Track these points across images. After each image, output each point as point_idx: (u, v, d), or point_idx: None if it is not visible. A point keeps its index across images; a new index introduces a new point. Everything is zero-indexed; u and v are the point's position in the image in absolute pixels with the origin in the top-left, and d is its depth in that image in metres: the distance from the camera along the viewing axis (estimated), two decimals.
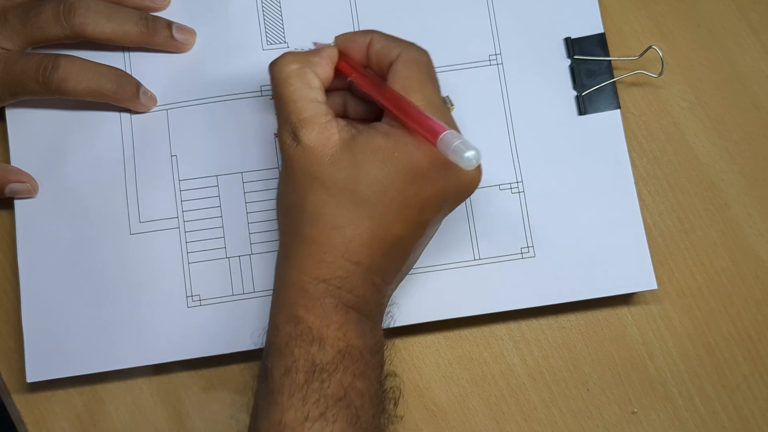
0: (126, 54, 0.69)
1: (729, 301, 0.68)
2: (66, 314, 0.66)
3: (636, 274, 0.66)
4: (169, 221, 0.67)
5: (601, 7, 0.69)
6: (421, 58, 0.58)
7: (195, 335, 0.66)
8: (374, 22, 0.69)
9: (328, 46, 0.61)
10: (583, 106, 0.67)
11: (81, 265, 0.67)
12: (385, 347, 0.60)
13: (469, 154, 0.51)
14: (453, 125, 0.57)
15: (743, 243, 0.69)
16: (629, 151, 0.67)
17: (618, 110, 0.67)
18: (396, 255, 0.58)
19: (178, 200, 0.67)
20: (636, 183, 0.67)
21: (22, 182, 0.67)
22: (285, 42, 0.69)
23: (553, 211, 0.67)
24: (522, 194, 0.67)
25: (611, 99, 0.68)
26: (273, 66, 0.59)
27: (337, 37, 0.62)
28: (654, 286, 0.66)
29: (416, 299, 0.66)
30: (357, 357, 0.55)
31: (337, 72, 0.61)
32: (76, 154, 0.68)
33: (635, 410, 0.67)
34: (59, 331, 0.66)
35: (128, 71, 0.68)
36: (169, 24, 0.68)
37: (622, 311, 0.68)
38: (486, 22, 0.69)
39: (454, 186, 0.57)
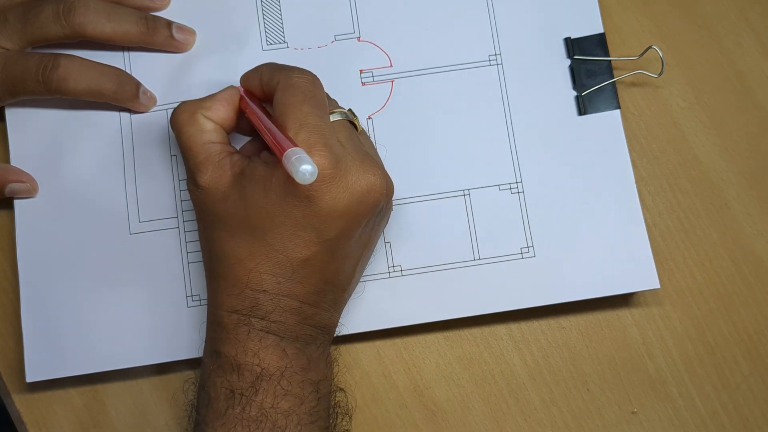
0: (126, 54, 0.69)
1: (729, 301, 0.68)
2: (66, 314, 0.66)
3: (638, 273, 0.66)
4: (169, 221, 0.67)
5: (601, 7, 0.69)
6: (298, 82, 0.58)
7: (195, 335, 0.66)
8: (374, 23, 0.69)
9: (229, 87, 0.62)
10: (583, 106, 0.67)
11: (81, 264, 0.67)
12: (328, 365, 0.61)
13: (304, 168, 0.51)
14: (342, 140, 0.58)
15: (743, 243, 0.69)
16: (629, 151, 0.67)
17: (618, 110, 0.67)
18: (306, 277, 0.58)
19: (178, 200, 0.67)
20: (636, 183, 0.66)
21: (22, 182, 0.67)
22: (285, 42, 0.69)
23: (553, 211, 0.67)
24: (522, 194, 0.67)
25: (611, 99, 0.68)
26: (170, 118, 0.61)
27: (240, 77, 0.63)
28: (656, 285, 0.65)
29: (416, 299, 0.66)
30: (278, 378, 0.57)
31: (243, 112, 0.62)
32: (76, 153, 0.68)
33: (635, 410, 0.67)
34: (59, 331, 0.66)
35: (128, 71, 0.69)
36: (169, 24, 0.68)
37: (622, 311, 0.68)
38: (486, 22, 0.69)
39: (347, 201, 0.56)
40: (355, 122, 0.61)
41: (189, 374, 0.65)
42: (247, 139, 0.65)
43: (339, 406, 0.63)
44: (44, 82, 0.65)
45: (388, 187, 0.58)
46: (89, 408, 0.68)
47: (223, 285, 0.58)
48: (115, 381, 0.68)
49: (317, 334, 0.60)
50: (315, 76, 0.60)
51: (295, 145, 0.53)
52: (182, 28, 0.69)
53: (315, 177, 0.51)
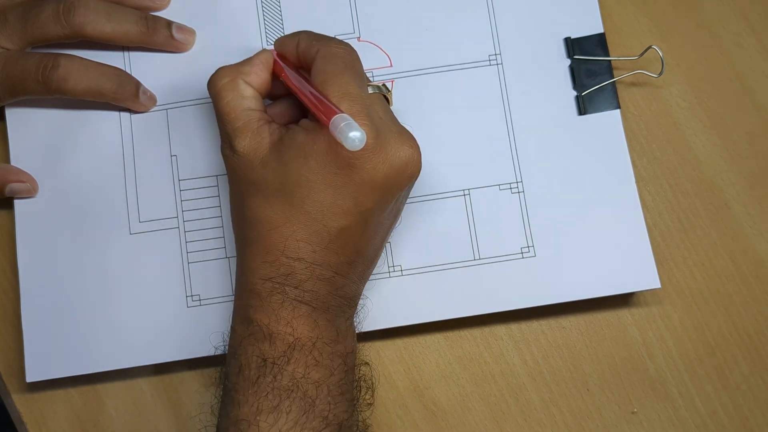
0: (126, 54, 0.69)
1: (729, 301, 0.68)
2: (66, 314, 0.66)
3: (638, 272, 0.66)
4: (169, 221, 0.67)
5: (601, 7, 0.69)
6: (338, 51, 0.59)
7: (195, 335, 0.66)
8: (374, 23, 0.69)
9: (263, 51, 0.63)
10: (583, 106, 0.67)
11: (80, 264, 0.67)
12: (353, 337, 0.61)
13: (353, 134, 0.51)
14: (379, 112, 0.58)
15: (743, 243, 0.69)
16: (629, 151, 0.67)
17: (618, 110, 0.67)
18: (341, 247, 0.58)
19: (178, 200, 0.67)
20: (636, 183, 0.66)
21: (22, 182, 0.67)
22: None
23: (553, 210, 0.67)
24: (522, 194, 0.67)
25: (611, 99, 0.68)
26: (209, 83, 0.61)
27: (275, 41, 0.64)
28: (657, 284, 0.65)
29: (416, 299, 0.66)
30: (309, 348, 0.57)
31: (278, 75, 0.63)
32: (76, 153, 0.68)
33: (635, 410, 0.67)
34: (59, 331, 0.66)
35: (128, 71, 0.69)
36: (169, 24, 0.68)
37: (622, 311, 0.68)
38: (486, 22, 0.69)
39: (386, 171, 0.57)
40: (389, 97, 0.61)
41: (211, 372, 0.67)
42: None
43: (363, 380, 0.63)
44: (44, 82, 0.65)
45: (421, 160, 0.59)
46: (89, 408, 0.68)
47: (257, 251, 0.58)
48: (115, 381, 0.68)
49: (345, 305, 0.60)
50: (353, 48, 0.61)
51: (342, 112, 0.53)
52: (182, 28, 0.69)
53: (364, 143, 0.51)
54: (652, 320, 0.68)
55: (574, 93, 0.68)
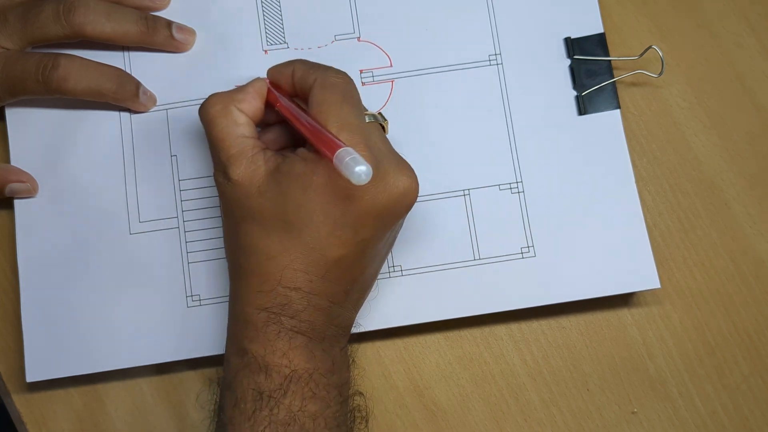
0: (126, 54, 0.69)
1: (729, 301, 0.68)
2: (66, 314, 0.66)
3: (638, 272, 0.66)
4: (169, 221, 0.67)
5: (601, 7, 0.69)
6: (336, 81, 0.59)
7: (195, 335, 0.66)
8: (374, 23, 0.69)
9: (256, 79, 0.63)
10: (583, 106, 0.67)
11: (81, 264, 0.67)
12: (348, 367, 0.61)
13: (359, 169, 0.51)
14: (377, 143, 0.58)
15: (743, 243, 0.69)
16: (629, 151, 0.67)
17: (618, 110, 0.67)
18: (338, 277, 0.58)
19: (178, 200, 0.68)
20: (636, 183, 0.66)
21: (22, 182, 0.67)
22: (285, 42, 0.69)
23: (553, 210, 0.67)
24: (522, 194, 0.67)
25: (611, 99, 0.68)
26: (201, 109, 0.61)
27: (268, 70, 0.64)
28: (657, 284, 0.65)
29: (416, 299, 0.66)
30: (306, 380, 0.56)
31: (272, 104, 0.63)
32: (76, 153, 0.68)
33: (635, 410, 0.67)
34: (59, 331, 0.66)
35: (128, 71, 0.69)
36: (169, 24, 0.68)
37: (622, 311, 0.68)
38: (486, 22, 0.69)
39: (385, 201, 0.56)
40: (385, 126, 0.61)
41: (211, 372, 0.66)
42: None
43: (358, 410, 0.63)
44: (44, 81, 0.65)
45: (419, 189, 0.58)
46: (89, 408, 0.68)
47: (253, 281, 0.57)
48: (115, 381, 0.68)
49: (340, 335, 0.60)
50: (350, 77, 0.60)
51: (345, 145, 0.53)
52: (182, 28, 0.69)
53: (370, 177, 0.51)
54: (652, 320, 0.68)
55: (574, 93, 0.68)
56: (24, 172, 0.67)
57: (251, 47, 0.69)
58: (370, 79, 0.68)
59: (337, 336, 0.59)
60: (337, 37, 0.69)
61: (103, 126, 0.68)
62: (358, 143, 0.55)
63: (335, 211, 0.56)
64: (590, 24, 0.69)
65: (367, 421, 0.64)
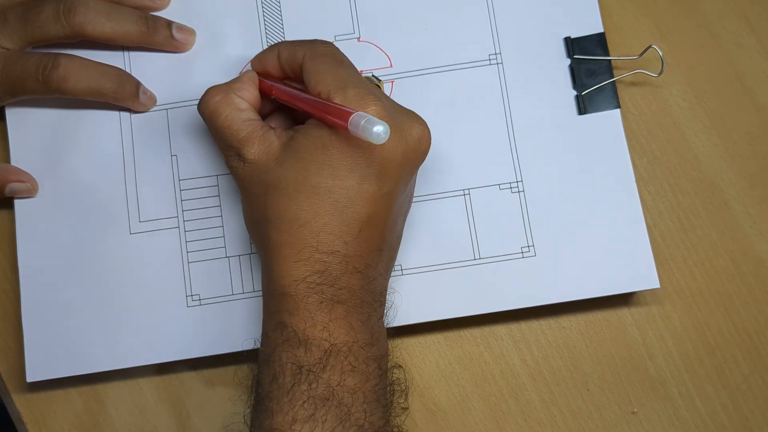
0: (126, 54, 0.69)
1: (729, 301, 0.68)
2: (66, 314, 0.66)
3: (638, 272, 0.66)
4: (169, 221, 0.67)
5: (601, 7, 0.69)
6: (326, 50, 0.60)
7: (195, 335, 0.66)
8: (374, 23, 0.69)
9: (247, 71, 0.64)
10: (583, 106, 0.67)
11: (81, 264, 0.67)
12: (386, 339, 0.60)
13: (377, 128, 0.52)
14: (374, 97, 0.57)
15: (743, 243, 0.69)
16: (629, 151, 0.67)
17: (618, 110, 0.67)
18: (370, 235, 0.58)
19: (178, 200, 0.68)
20: (636, 183, 0.66)
21: (23, 182, 0.67)
22: None
23: (553, 210, 0.67)
24: (522, 193, 0.67)
25: (611, 98, 0.68)
26: (199, 105, 0.61)
27: (251, 61, 0.65)
28: (656, 284, 0.66)
29: (416, 299, 0.66)
30: (345, 354, 0.56)
31: (265, 93, 0.63)
32: (76, 153, 0.68)
33: (635, 410, 0.67)
34: (59, 331, 0.66)
35: (128, 71, 0.69)
36: (169, 23, 0.68)
37: (622, 311, 0.68)
38: (486, 22, 0.69)
39: (403, 150, 0.57)
40: (380, 86, 0.62)
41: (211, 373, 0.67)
42: None
43: (397, 383, 0.62)
44: (44, 81, 0.65)
45: (431, 135, 0.59)
46: (89, 408, 0.68)
47: (288, 253, 0.57)
48: (115, 381, 0.68)
49: (376, 303, 0.59)
50: (337, 47, 0.61)
51: (354, 110, 0.53)
52: (182, 27, 0.69)
53: (389, 134, 0.52)
54: (652, 320, 0.68)
55: (574, 92, 0.68)
56: (24, 171, 0.67)
57: (251, 47, 0.69)
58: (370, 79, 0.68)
59: (373, 304, 0.59)
60: (337, 38, 0.69)
61: (103, 126, 0.68)
62: (366, 95, 0.56)
63: (359, 163, 0.56)
64: (590, 23, 0.69)
65: (406, 395, 0.64)
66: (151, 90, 0.69)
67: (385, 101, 0.58)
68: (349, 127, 0.53)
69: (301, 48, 0.60)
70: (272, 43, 0.69)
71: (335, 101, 0.56)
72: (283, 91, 0.61)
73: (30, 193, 0.67)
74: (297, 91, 0.59)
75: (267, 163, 0.57)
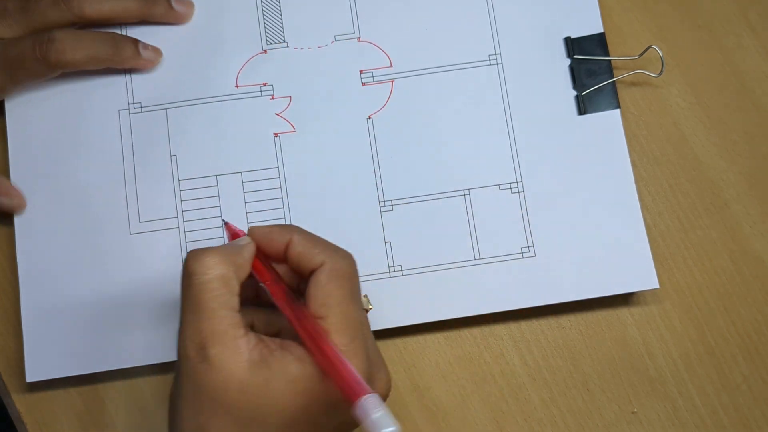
0: None
1: (729, 301, 0.68)
2: (66, 314, 0.66)
3: (637, 273, 0.66)
4: (169, 221, 0.67)
5: (601, 8, 0.69)
6: (345, 270, 0.54)
7: None
8: (374, 23, 0.69)
9: (248, 243, 0.56)
10: (583, 106, 0.67)
11: (81, 264, 0.67)
12: None
13: (388, 431, 0.47)
14: (365, 336, 0.54)
15: (743, 243, 0.69)
16: (629, 151, 0.67)
17: (618, 110, 0.68)
18: None
19: (178, 200, 0.67)
20: (636, 183, 0.67)
21: (11, 197, 0.66)
22: (285, 42, 0.69)
23: (553, 210, 0.67)
24: (522, 194, 0.67)
25: (611, 98, 0.68)
26: (194, 263, 0.53)
27: (253, 229, 0.57)
28: (655, 285, 0.66)
29: (416, 299, 0.66)
30: None
31: (256, 274, 0.57)
32: (76, 154, 0.68)
33: (635, 410, 0.67)
34: (59, 331, 0.66)
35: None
36: None
37: (622, 311, 0.68)
38: (486, 22, 0.69)
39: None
40: (368, 309, 0.60)
41: None
42: None
43: None
44: (43, 57, 0.64)
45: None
46: (89, 408, 0.68)
47: None
48: (115, 381, 0.68)
49: None
50: (354, 258, 0.56)
51: (371, 392, 0.49)
52: None
53: None
54: (651, 320, 0.68)
55: (574, 93, 0.68)
56: (12, 187, 0.67)
57: (251, 47, 0.69)
58: (370, 79, 0.68)
59: None
60: (337, 37, 0.69)
61: (103, 125, 0.68)
62: (359, 352, 0.52)
63: (320, 420, 0.52)
64: (590, 24, 0.69)
65: None
66: (152, 90, 0.68)
67: (371, 346, 0.55)
68: (356, 408, 0.48)
69: (320, 252, 0.55)
70: (271, 43, 0.69)
71: (337, 342, 0.52)
72: (282, 295, 0.55)
73: (14, 209, 0.67)
74: (302, 309, 0.54)
75: (228, 377, 0.50)
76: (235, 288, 0.53)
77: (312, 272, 0.54)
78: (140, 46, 0.68)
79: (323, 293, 0.53)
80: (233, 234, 0.61)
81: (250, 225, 0.64)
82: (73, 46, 0.65)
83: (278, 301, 0.55)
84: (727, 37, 0.71)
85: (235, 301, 0.53)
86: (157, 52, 0.69)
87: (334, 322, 0.52)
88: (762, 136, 0.70)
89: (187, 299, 0.53)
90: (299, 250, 0.55)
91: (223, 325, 0.51)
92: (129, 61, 0.67)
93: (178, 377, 0.53)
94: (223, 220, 0.66)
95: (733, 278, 0.68)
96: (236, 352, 0.51)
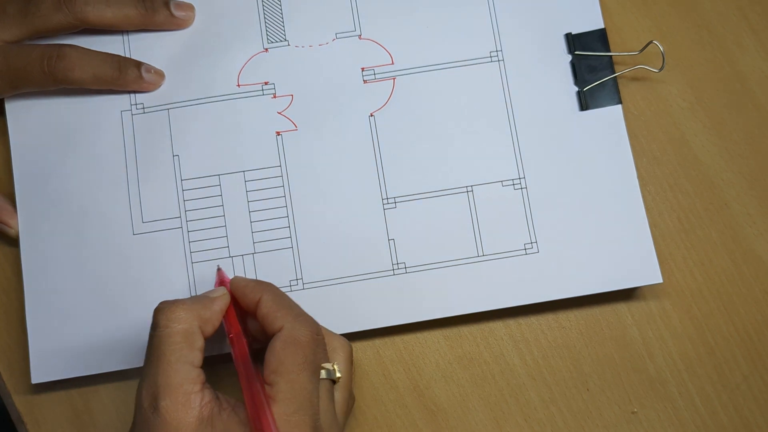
0: (127, 51, 0.69)
1: (729, 301, 0.68)
2: (70, 315, 0.66)
3: (640, 267, 0.66)
4: (172, 221, 0.67)
5: (602, 8, 0.69)
6: (301, 338, 0.55)
7: None
8: (375, 20, 0.70)
9: (223, 295, 0.59)
10: (585, 102, 0.68)
11: (84, 265, 0.67)
12: None
13: None
14: (313, 407, 0.55)
15: (743, 243, 0.69)
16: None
17: (619, 105, 0.68)
18: None
19: (181, 200, 0.68)
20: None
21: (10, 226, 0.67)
22: (286, 40, 0.69)
23: (556, 206, 0.67)
24: (524, 190, 0.67)
25: (612, 94, 0.68)
26: (160, 315, 0.55)
27: (233, 280, 0.61)
28: (659, 279, 0.66)
29: (420, 296, 0.66)
30: None
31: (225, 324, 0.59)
32: (78, 154, 0.68)
33: (635, 410, 0.67)
34: (63, 333, 0.66)
35: None
36: (167, 2, 0.68)
37: (623, 311, 0.68)
38: (487, 19, 0.69)
39: None
40: (336, 380, 0.58)
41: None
42: None
43: None
44: (50, 72, 0.65)
45: None
46: (89, 408, 0.68)
47: None
48: (116, 381, 0.68)
49: None
50: (318, 327, 0.57)
51: None
52: (180, 4, 0.69)
53: None
54: (652, 320, 0.68)
55: (576, 88, 0.68)
56: (7, 207, 0.67)
57: (252, 45, 0.69)
58: (372, 76, 0.69)
59: None
60: (338, 35, 0.69)
61: (104, 126, 0.68)
62: (302, 425, 0.53)
63: None
64: (591, 20, 0.69)
65: None
66: (152, 90, 0.69)
67: (326, 416, 0.55)
68: None
69: (281, 317, 0.56)
70: (272, 41, 0.69)
71: (280, 412, 0.53)
72: (240, 354, 0.56)
73: (5, 231, 0.67)
74: (252, 375, 0.55)
75: (174, 431, 0.51)
76: (197, 343, 0.54)
77: (273, 336, 0.56)
78: (143, 69, 0.68)
79: (276, 360, 0.54)
80: (219, 282, 0.63)
81: (235, 276, 0.64)
82: (81, 65, 0.65)
83: (235, 359, 0.56)
84: (727, 37, 0.71)
85: (194, 356, 0.54)
86: (159, 74, 0.69)
87: (281, 390, 0.53)
88: (762, 136, 0.70)
89: (149, 349, 0.54)
90: (264, 311, 0.57)
91: (178, 378, 0.52)
92: (131, 84, 0.68)
93: (133, 424, 0.54)
94: (218, 267, 0.66)
95: (733, 278, 0.69)
96: (186, 407, 0.52)
